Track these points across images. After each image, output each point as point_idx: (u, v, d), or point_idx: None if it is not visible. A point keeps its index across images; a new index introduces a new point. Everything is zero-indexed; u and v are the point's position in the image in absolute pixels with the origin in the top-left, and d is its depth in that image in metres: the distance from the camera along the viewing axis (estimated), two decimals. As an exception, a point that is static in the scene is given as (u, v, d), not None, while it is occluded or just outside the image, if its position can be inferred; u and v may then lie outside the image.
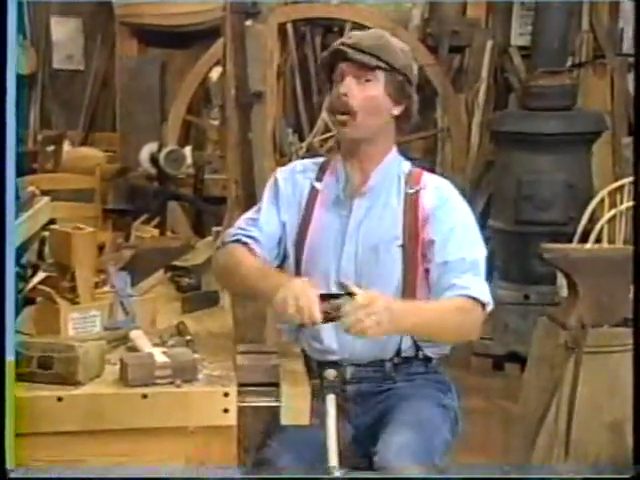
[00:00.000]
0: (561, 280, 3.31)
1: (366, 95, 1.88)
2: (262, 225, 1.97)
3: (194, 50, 5.10)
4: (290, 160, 4.38)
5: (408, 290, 1.90)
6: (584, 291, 2.74)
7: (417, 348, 1.96)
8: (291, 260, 1.97)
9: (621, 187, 3.63)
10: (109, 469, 1.68)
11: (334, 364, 1.91)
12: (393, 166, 1.97)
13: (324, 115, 4.66)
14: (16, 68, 1.46)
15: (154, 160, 4.20)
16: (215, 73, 4.68)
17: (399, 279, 1.90)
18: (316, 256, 1.94)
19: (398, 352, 1.94)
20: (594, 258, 2.81)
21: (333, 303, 1.75)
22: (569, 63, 4.50)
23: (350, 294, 1.74)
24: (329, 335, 1.91)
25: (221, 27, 2.96)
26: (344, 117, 1.88)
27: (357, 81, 1.88)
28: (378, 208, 1.94)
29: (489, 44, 4.84)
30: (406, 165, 2.00)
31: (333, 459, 1.73)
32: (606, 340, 2.70)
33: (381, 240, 1.91)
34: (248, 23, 2.63)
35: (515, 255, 3.95)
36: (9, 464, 1.50)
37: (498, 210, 4.15)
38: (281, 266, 1.99)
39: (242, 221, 2.01)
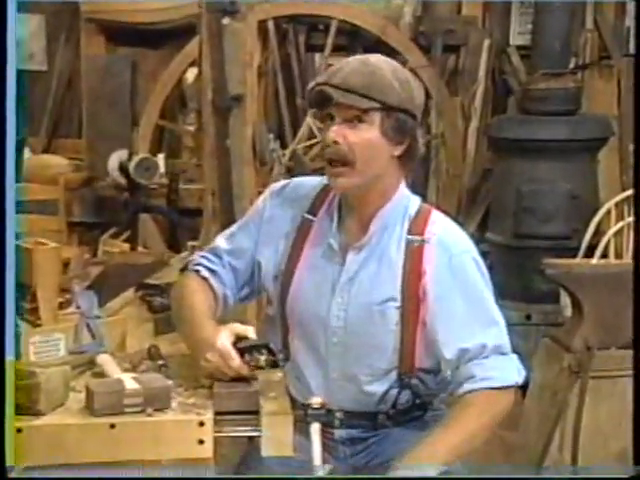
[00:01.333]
0: (565, 298, 3.33)
1: (362, 139, 1.76)
2: (230, 259, 1.93)
3: (168, 49, 5.11)
4: (272, 169, 4.40)
5: (406, 354, 1.85)
6: (589, 310, 2.76)
7: (415, 398, 1.91)
8: (275, 300, 1.93)
9: (629, 198, 3.66)
10: (109, 469, 1.68)
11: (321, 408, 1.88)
12: (397, 210, 1.86)
13: (309, 120, 4.68)
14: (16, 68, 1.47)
15: (124, 169, 4.20)
16: (191, 74, 4.69)
17: (395, 344, 1.84)
18: (303, 300, 1.89)
19: (394, 406, 1.91)
20: (600, 274, 2.83)
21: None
22: (572, 64, 4.54)
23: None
24: (316, 384, 1.90)
25: (197, 25, 2.98)
26: (340, 169, 1.77)
27: (349, 125, 1.75)
28: (374, 260, 1.85)
29: (486, 44, 4.88)
30: (414, 204, 1.88)
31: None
32: (613, 364, 2.72)
33: (375, 300, 1.83)
34: (225, 21, 2.64)
35: (515, 271, 3.98)
36: (9, 463, 1.54)
37: (496, 222, 4.18)
38: (248, 297, 1.98)
39: (209, 248, 1.97)
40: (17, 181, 1.49)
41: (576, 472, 2.25)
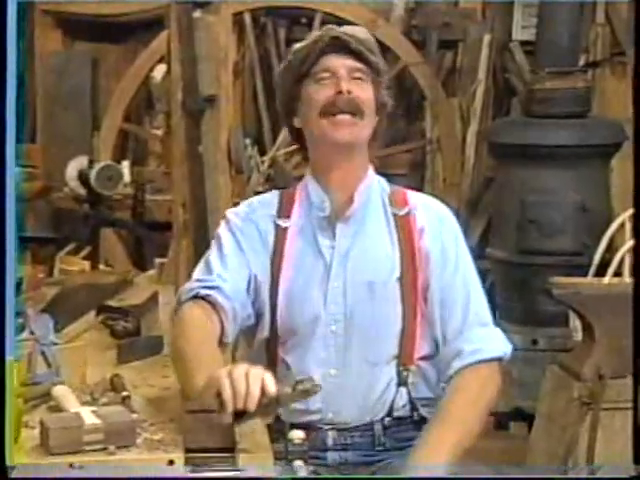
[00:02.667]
0: (574, 321, 3.35)
1: (367, 95, 1.93)
2: (229, 272, 1.94)
3: (132, 44, 5.13)
4: (249, 178, 4.41)
5: (407, 336, 1.94)
6: (601, 334, 2.77)
7: (413, 407, 1.98)
8: (266, 317, 1.96)
9: (645, 209, 3.68)
10: (109, 469, 1.70)
11: (310, 427, 1.91)
12: (375, 185, 2.01)
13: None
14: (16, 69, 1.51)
15: (83, 178, 4.20)
16: (158, 73, 4.70)
17: (396, 324, 1.93)
18: (295, 302, 1.94)
19: (390, 411, 1.97)
20: (613, 295, 2.84)
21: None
22: (582, 62, 4.58)
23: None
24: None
25: (165, 17, 3.00)
26: (348, 117, 1.90)
27: (353, 81, 1.92)
28: (366, 235, 1.96)
29: (486, 39, 4.91)
30: (385, 183, 2.05)
31: None
32: (628, 394, 2.73)
33: (376, 273, 1.93)
34: (197, 14, 2.67)
35: (519, 291, 3.99)
36: (9, 463, 1.58)
37: (499, 237, 4.20)
38: (250, 318, 1.98)
39: (198, 271, 1.98)
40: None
41: (578, 472, 2.32)
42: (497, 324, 2.01)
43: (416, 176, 5.04)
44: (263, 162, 4.69)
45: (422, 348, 1.97)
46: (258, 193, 2.36)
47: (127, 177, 4.40)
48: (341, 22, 4.87)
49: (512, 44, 4.91)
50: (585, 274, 3.55)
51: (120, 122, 4.94)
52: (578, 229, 3.98)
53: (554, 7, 4.13)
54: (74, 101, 4.98)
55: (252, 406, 1.65)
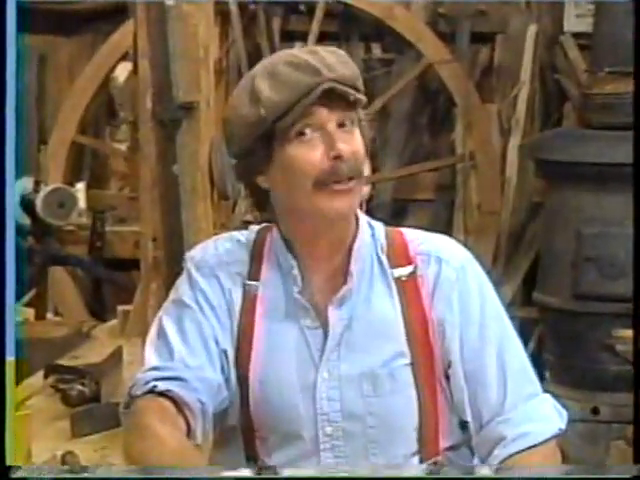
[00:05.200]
0: (644, 385, 3.35)
1: (359, 145, 1.87)
2: (193, 354, 1.90)
3: (89, 37, 5.16)
4: (235, 205, 4.42)
5: (427, 428, 1.91)
6: (678, 401, 2.77)
7: None
8: (234, 395, 1.93)
9: None
10: (110, 469, 1.76)
11: None
12: (368, 241, 1.95)
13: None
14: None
15: (28, 204, 4.21)
16: (121, 73, 4.74)
17: (413, 415, 1.90)
18: (272, 398, 1.91)
19: None
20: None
21: None
22: (650, 59, 4.61)
23: None
24: None
25: (129, 5, 3.02)
26: (348, 184, 1.85)
27: (341, 129, 1.85)
28: (363, 311, 1.92)
29: (531, 30, 4.94)
30: (379, 229, 1.99)
31: None
32: None
33: (379, 361, 1.89)
34: (170, 2, 2.69)
35: (574, 346, 3.97)
36: (9, 463, 1.67)
37: (548, 278, 4.19)
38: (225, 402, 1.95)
39: (154, 353, 1.93)
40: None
41: (578, 472, 2.36)
42: (547, 389, 1.99)
43: (444, 202, 5.05)
44: (252, 184, 4.70)
45: (448, 439, 1.93)
46: (247, 224, 2.36)
47: (82, 203, 4.41)
48: (348, 11, 4.94)
49: (563, 37, 4.95)
50: (657, 325, 3.55)
51: (73, 134, 4.96)
52: (647, 269, 3.99)
53: (615, -8, 4.19)
54: (17, 107, 4.99)
55: None
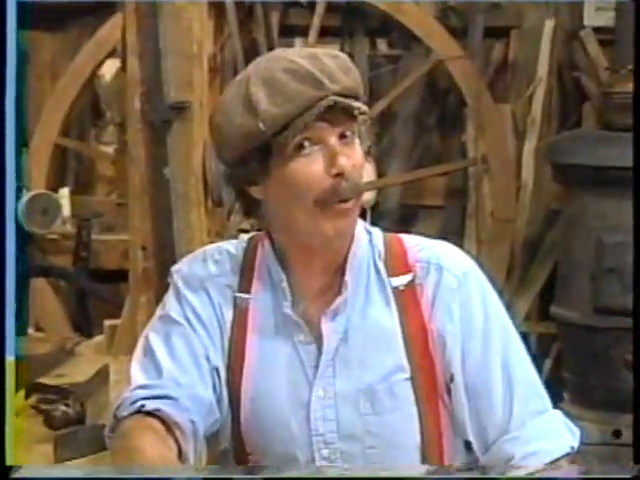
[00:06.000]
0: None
1: (360, 158, 1.89)
2: (183, 371, 1.91)
3: (73, 33, 5.17)
4: (230, 212, 4.42)
5: (430, 447, 1.92)
6: None
7: None
8: (226, 416, 1.94)
9: None
10: (109, 469, 1.78)
11: None
12: (364, 250, 1.97)
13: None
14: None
15: (7, 211, 4.22)
16: (108, 70, 4.74)
17: (417, 434, 1.92)
18: (264, 418, 1.92)
19: None
20: None
21: None
22: (676, 56, 4.62)
23: None
24: None
25: (118, -2, 3.03)
26: (350, 203, 1.87)
27: (341, 141, 1.86)
28: (359, 324, 1.93)
29: (549, 25, 4.96)
30: (377, 235, 2.01)
31: None
32: None
33: (379, 376, 1.91)
34: (162, -7, 2.69)
35: (595, 364, 3.98)
36: (9, 464, 1.70)
37: (567, 290, 4.19)
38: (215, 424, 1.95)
39: (140, 370, 1.93)
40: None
41: (578, 472, 2.38)
42: (565, 410, 1.99)
43: (455, 208, 5.05)
44: (249, 190, 4.71)
45: (453, 459, 1.94)
46: (243, 232, 2.36)
47: (67, 210, 4.40)
48: (352, 4, 4.95)
49: (583, 32, 4.95)
50: (683, 341, 3.55)
51: (56, 136, 4.97)
52: (673, 280, 3.99)
53: (639, -17, 4.20)
54: (-4, 108, 5.02)
55: None
